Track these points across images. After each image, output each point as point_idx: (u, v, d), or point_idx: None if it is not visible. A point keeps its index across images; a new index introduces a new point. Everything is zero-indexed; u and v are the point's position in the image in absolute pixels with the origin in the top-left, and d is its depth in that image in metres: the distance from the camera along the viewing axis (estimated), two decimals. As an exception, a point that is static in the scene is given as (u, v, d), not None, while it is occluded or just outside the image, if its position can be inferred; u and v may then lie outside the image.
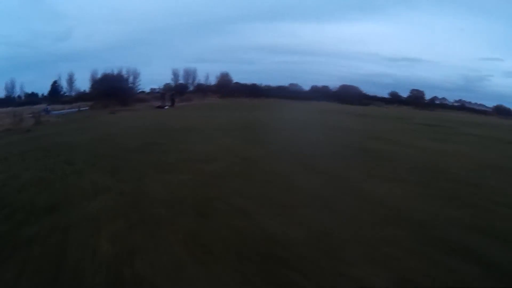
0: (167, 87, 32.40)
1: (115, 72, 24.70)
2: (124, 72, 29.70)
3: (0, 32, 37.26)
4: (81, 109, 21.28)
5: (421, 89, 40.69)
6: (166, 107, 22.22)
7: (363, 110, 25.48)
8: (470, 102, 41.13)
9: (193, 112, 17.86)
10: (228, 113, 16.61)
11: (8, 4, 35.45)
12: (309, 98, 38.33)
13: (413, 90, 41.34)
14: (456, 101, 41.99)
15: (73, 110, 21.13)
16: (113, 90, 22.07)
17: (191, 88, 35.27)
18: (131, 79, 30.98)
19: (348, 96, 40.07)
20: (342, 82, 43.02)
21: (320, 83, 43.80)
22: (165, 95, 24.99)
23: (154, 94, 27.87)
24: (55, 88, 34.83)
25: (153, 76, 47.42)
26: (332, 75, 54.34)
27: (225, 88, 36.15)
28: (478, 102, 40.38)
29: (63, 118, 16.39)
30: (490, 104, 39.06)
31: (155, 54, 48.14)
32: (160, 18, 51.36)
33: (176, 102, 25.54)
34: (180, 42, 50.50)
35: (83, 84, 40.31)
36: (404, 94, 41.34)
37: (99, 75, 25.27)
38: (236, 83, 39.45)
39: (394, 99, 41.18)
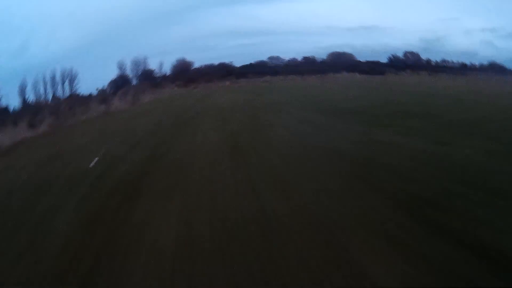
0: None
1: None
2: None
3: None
4: None
5: (381, 54, 38.97)
6: None
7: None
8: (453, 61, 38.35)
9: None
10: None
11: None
12: (315, 71, 32.41)
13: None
14: (439, 62, 38.78)
15: None
16: None
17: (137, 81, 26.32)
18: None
19: (340, 65, 35.05)
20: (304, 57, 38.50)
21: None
22: None
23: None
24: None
25: (106, 76, 38.36)
26: (294, 52, 50.03)
27: (185, 74, 27.11)
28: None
29: None
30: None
31: (110, 54, 40.20)
32: (114, 16, 43.83)
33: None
34: (135, 38, 42.65)
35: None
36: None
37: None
38: (197, 68, 30.53)
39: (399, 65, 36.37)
